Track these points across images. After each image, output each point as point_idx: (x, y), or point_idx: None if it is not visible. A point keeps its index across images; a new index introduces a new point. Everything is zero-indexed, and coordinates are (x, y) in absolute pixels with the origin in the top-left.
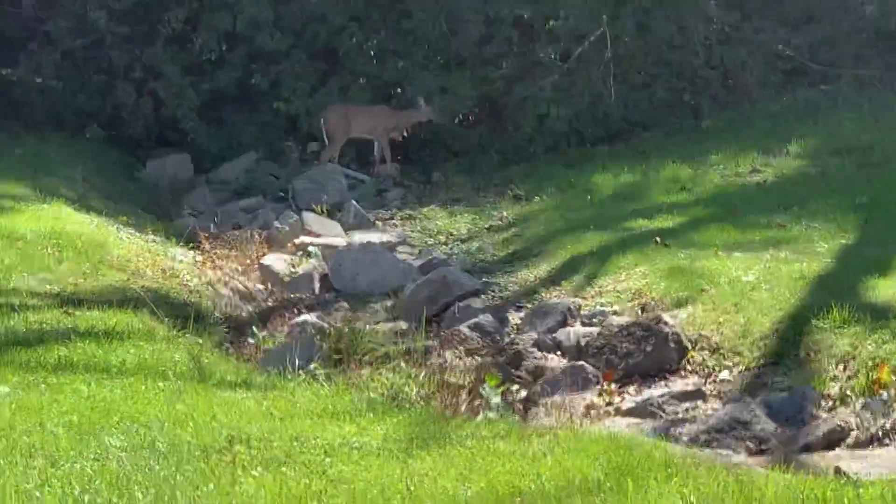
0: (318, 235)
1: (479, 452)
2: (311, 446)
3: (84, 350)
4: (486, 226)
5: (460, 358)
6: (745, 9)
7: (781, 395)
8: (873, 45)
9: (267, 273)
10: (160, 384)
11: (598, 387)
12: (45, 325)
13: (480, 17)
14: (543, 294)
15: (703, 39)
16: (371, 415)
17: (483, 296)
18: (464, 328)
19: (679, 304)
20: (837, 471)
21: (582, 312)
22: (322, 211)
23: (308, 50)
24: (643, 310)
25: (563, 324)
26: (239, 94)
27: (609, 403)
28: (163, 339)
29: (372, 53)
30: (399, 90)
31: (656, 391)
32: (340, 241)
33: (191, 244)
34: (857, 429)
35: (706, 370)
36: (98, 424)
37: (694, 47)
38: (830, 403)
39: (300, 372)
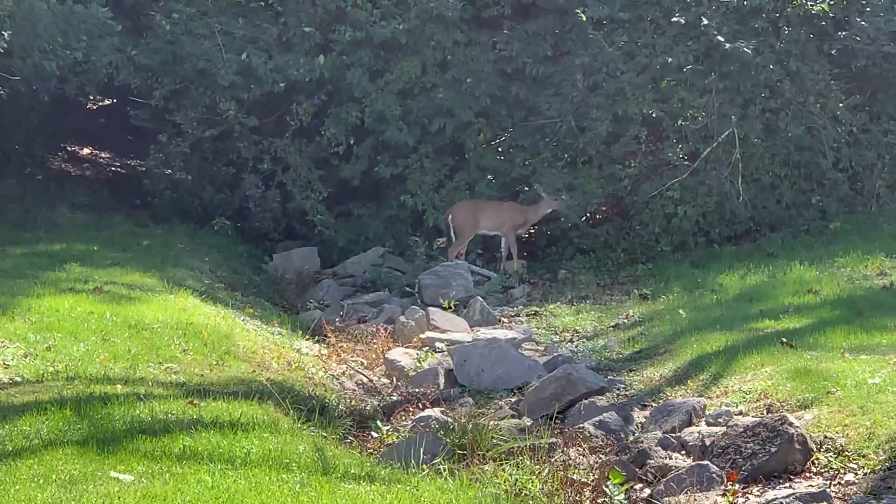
0: (443, 331)
1: None
2: None
3: (209, 440)
4: (612, 324)
5: (584, 455)
6: (874, 111)
7: None
8: None
9: (392, 367)
10: (284, 476)
11: (722, 487)
12: (170, 415)
13: (608, 114)
14: (668, 393)
15: (832, 141)
16: None
17: (608, 394)
18: (588, 425)
19: (804, 405)
20: None
21: (707, 412)
22: (450, 306)
23: (435, 144)
24: (768, 410)
25: (688, 423)
26: (366, 188)
27: None
28: (287, 431)
29: (499, 149)
30: (526, 187)
31: (781, 492)
32: (466, 336)
33: (316, 337)
34: None
35: (831, 472)
36: None
37: (822, 149)
38: None
39: (424, 466)
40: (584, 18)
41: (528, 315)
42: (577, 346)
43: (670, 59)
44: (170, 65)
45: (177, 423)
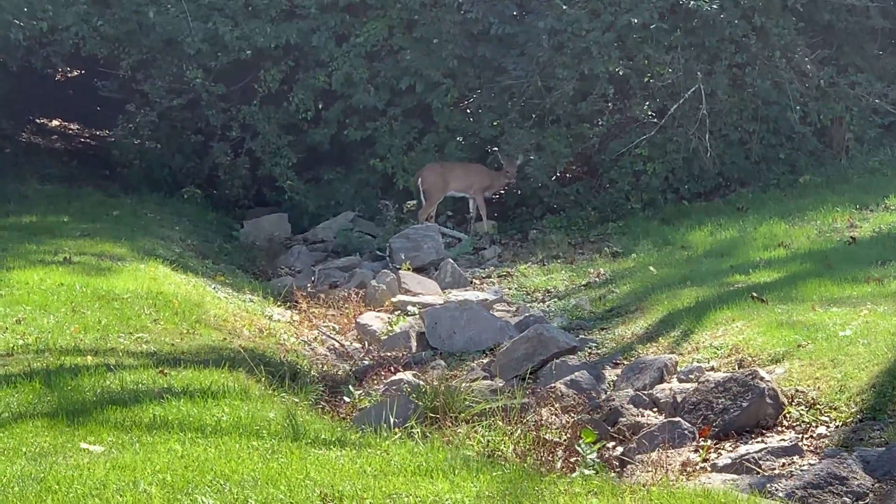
0: (415, 294)
1: None
2: (404, 503)
3: (179, 409)
4: (583, 282)
5: (556, 415)
6: (841, 64)
7: (878, 450)
8: None
9: (363, 331)
10: (254, 443)
11: (695, 443)
12: (140, 385)
13: (575, 73)
14: (640, 350)
15: (799, 95)
16: (465, 472)
17: (579, 352)
18: (560, 385)
19: (776, 359)
20: None
21: (678, 368)
22: (408, 268)
23: (403, 107)
24: (740, 365)
25: (660, 380)
26: (335, 153)
27: (705, 459)
28: (258, 397)
29: (467, 111)
30: (495, 148)
31: (753, 447)
32: (437, 299)
33: (288, 303)
34: None
35: (803, 425)
36: (191, 483)
37: (789, 103)
38: None
39: (396, 430)
40: None
41: (499, 276)
42: (548, 306)
43: (635, 20)
44: (136, 34)
45: (147, 392)
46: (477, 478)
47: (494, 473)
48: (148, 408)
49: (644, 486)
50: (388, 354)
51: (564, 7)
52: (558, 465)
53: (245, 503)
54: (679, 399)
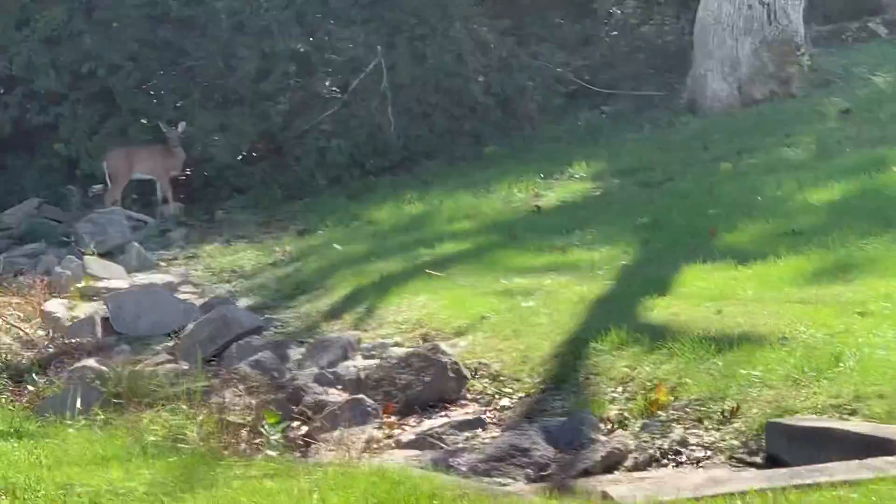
0: (100, 279)
1: (245, 493)
2: (77, 494)
3: None
4: (270, 261)
5: (241, 396)
6: (522, 34)
7: (560, 419)
8: (651, 65)
9: (49, 319)
10: None
11: (378, 420)
12: None
13: (256, 52)
14: (325, 328)
15: (481, 67)
16: (142, 459)
17: (265, 332)
18: (243, 366)
19: (460, 332)
20: (605, 496)
21: (362, 345)
22: (93, 252)
23: (86, 91)
24: (424, 340)
25: (344, 357)
26: (19, 139)
27: (389, 436)
28: None
29: (150, 93)
30: (161, 124)
31: (436, 422)
32: (124, 283)
33: None
34: (636, 451)
35: (486, 398)
36: None
37: (471, 75)
38: (609, 426)
39: (79, 418)
40: None
41: (186, 258)
42: (234, 287)
43: None
44: None
45: None
46: (153, 464)
47: (171, 459)
48: None
49: (321, 466)
50: (73, 341)
51: None
52: (242, 447)
53: None
54: (363, 376)
